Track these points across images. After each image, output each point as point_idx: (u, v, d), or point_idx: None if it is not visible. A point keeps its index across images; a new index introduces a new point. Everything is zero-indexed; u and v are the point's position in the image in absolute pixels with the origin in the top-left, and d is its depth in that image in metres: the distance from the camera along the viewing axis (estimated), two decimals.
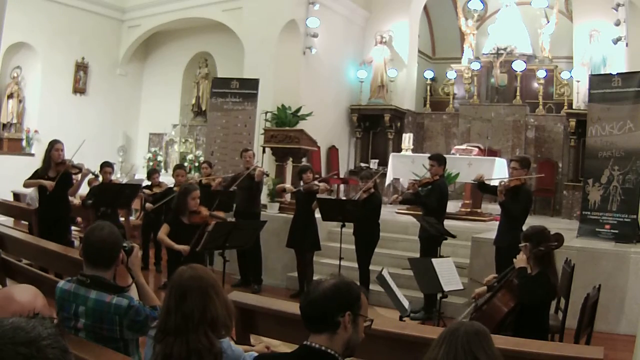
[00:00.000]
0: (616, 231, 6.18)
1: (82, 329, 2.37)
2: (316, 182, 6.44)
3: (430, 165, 6.10)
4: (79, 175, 6.12)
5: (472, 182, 5.71)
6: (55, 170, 5.85)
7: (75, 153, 5.99)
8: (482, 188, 5.78)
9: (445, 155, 6.41)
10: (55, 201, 5.89)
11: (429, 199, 5.91)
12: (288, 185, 6.93)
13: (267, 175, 6.97)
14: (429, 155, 6.49)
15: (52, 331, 1.05)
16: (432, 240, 5.73)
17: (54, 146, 5.87)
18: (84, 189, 7.65)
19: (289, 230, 6.55)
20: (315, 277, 5.68)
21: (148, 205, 7.24)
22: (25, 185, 6.05)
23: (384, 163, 10.47)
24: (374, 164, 11.18)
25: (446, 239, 5.67)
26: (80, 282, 2.40)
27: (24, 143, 10.45)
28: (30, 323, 1.04)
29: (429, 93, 12.54)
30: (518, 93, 11.19)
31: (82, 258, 2.45)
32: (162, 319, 2.01)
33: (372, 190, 6.07)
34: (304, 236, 6.39)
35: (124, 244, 2.52)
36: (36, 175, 5.90)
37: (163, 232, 4.94)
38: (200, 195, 5.09)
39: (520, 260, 3.61)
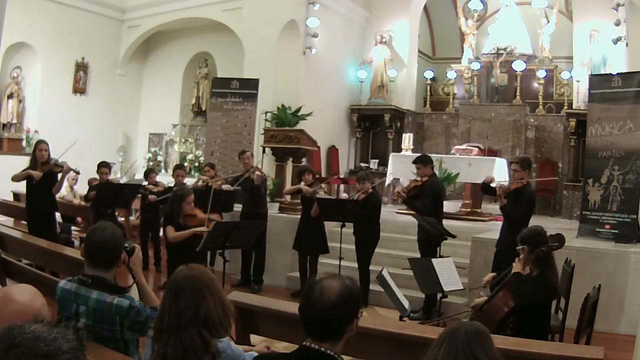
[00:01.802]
0: (616, 231, 6.17)
1: (82, 329, 2.37)
2: (313, 191, 6.35)
3: (417, 168, 6.00)
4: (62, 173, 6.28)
5: (482, 183, 5.63)
6: (41, 170, 6.10)
7: (63, 153, 6.20)
8: (485, 189, 5.74)
9: (429, 155, 6.33)
10: (40, 198, 6.12)
11: (422, 202, 5.80)
12: (305, 186, 6.47)
13: (266, 179, 6.89)
14: (412, 159, 6.22)
15: (73, 345, 1.02)
16: (430, 241, 5.70)
17: (38, 146, 6.17)
18: (83, 189, 7.67)
19: (296, 232, 6.53)
20: None
21: (152, 196, 7.22)
22: (14, 179, 6.26)
23: (384, 163, 10.48)
24: (374, 164, 11.19)
25: (446, 239, 5.65)
26: (81, 282, 2.40)
27: (24, 143, 10.43)
28: (52, 334, 1.02)
29: (429, 93, 12.54)
30: (518, 93, 11.19)
31: (83, 258, 2.45)
32: (158, 318, 2.03)
33: (370, 190, 6.05)
34: (312, 239, 6.37)
35: (126, 245, 2.52)
36: None
37: (172, 232, 4.92)
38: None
39: (517, 266, 3.58)
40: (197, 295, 1.98)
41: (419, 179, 6.04)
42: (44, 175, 6.03)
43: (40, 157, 6.07)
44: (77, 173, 6.75)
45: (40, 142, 6.22)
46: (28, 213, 6.30)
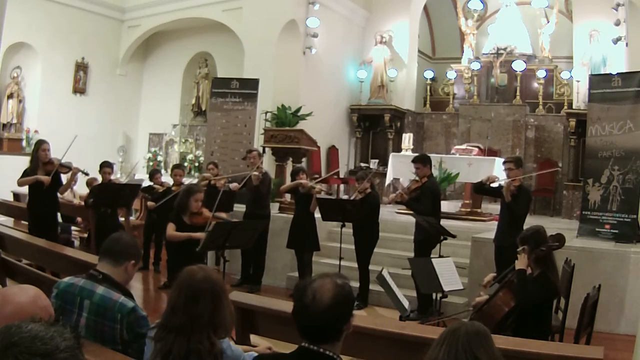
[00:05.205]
0: (616, 231, 6.17)
1: (82, 325, 2.38)
2: (313, 184, 6.39)
3: (416, 168, 5.95)
4: (69, 174, 6.22)
5: (479, 182, 5.67)
6: (44, 170, 5.97)
7: (65, 152, 6.11)
8: (479, 190, 5.75)
9: (429, 154, 6.32)
10: (44, 199, 6.02)
11: (422, 204, 5.79)
12: (304, 180, 6.47)
13: (264, 178, 6.85)
14: (411, 158, 6.20)
15: (71, 343, 1.03)
16: (427, 243, 5.69)
17: (40, 146, 6.03)
18: (84, 189, 7.66)
19: (289, 231, 6.54)
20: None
21: (150, 203, 7.21)
22: (20, 184, 6.15)
23: (384, 163, 10.48)
24: (374, 164, 11.18)
25: (445, 239, 5.64)
26: (91, 276, 2.45)
27: (24, 143, 10.44)
28: (49, 333, 1.02)
29: (429, 93, 12.54)
30: (518, 93, 11.19)
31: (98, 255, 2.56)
32: (166, 317, 2.00)
33: (369, 190, 6.04)
34: (304, 237, 6.38)
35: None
36: (25, 175, 6.02)
37: (171, 230, 4.92)
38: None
39: (521, 262, 3.60)
40: (215, 299, 1.98)
41: (418, 178, 6.03)
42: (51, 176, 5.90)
43: (43, 157, 5.96)
44: (86, 174, 6.66)
45: (42, 142, 6.10)
46: (30, 214, 6.21)
